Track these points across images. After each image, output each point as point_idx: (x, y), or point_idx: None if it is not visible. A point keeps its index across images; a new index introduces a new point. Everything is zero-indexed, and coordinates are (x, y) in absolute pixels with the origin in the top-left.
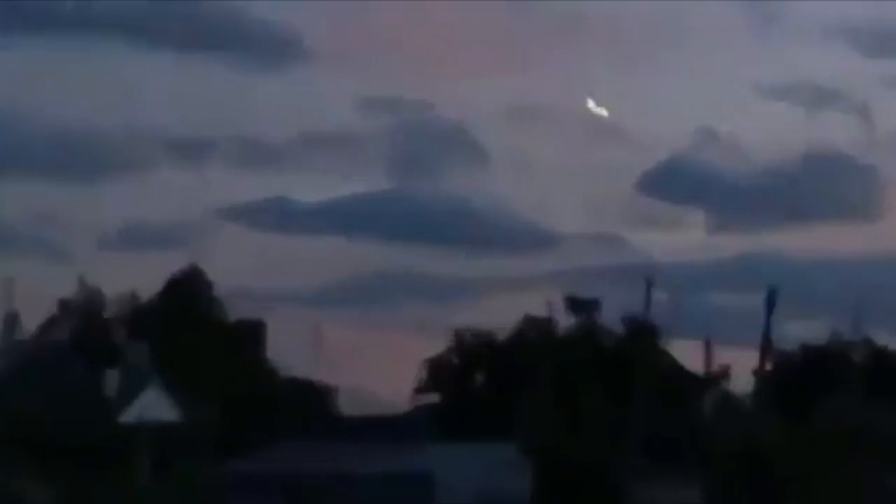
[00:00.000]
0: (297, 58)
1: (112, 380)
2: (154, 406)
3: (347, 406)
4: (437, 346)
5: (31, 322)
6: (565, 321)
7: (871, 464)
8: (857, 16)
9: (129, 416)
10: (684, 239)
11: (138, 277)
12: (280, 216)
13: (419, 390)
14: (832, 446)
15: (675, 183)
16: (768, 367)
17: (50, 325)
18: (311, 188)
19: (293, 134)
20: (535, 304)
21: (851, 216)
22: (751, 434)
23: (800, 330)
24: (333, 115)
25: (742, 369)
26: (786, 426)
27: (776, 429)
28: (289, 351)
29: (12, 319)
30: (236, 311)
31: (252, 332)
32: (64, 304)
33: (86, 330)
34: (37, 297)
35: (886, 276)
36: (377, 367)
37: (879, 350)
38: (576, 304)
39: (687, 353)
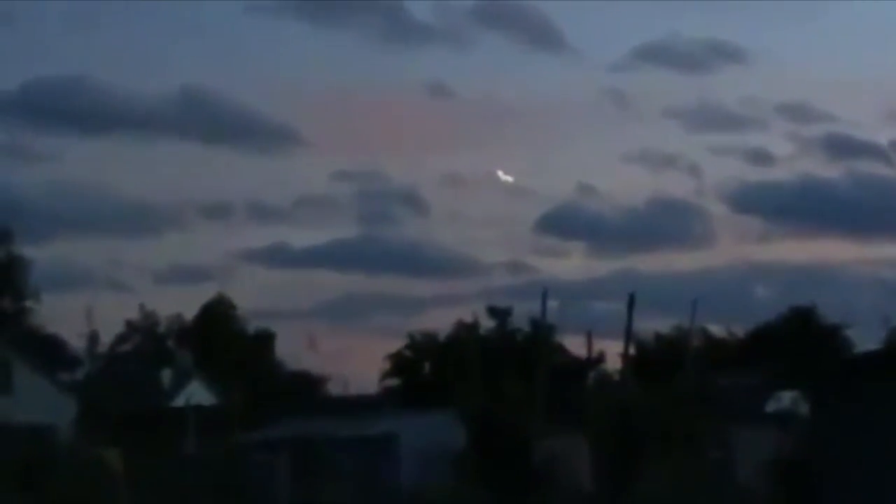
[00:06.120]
0: (293, 143)
1: (166, 377)
2: (196, 394)
3: (334, 389)
4: (396, 344)
5: (107, 337)
6: (487, 324)
7: (708, 419)
8: (684, 101)
9: (179, 401)
10: (570, 263)
11: (182, 303)
12: (282, 257)
13: (385, 376)
14: (678, 406)
15: (563, 224)
16: (631, 351)
17: (120, 340)
18: (303, 236)
19: (290, 198)
20: (466, 312)
21: (688, 244)
22: (620, 399)
23: (653, 324)
24: (318, 184)
25: (612, 354)
26: (644, 393)
27: (638, 395)
28: (292, 351)
29: (94, 337)
30: (253, 325)
31: (265, 340)
32: (130, 325)
33: (146, 342)
34: (110, 320)
35: (713, 285)
36: (355, 361)
37: (710, 336)
38: (494, 312)
39: (574, 344)
